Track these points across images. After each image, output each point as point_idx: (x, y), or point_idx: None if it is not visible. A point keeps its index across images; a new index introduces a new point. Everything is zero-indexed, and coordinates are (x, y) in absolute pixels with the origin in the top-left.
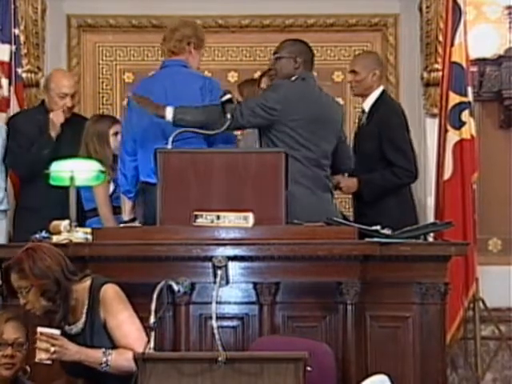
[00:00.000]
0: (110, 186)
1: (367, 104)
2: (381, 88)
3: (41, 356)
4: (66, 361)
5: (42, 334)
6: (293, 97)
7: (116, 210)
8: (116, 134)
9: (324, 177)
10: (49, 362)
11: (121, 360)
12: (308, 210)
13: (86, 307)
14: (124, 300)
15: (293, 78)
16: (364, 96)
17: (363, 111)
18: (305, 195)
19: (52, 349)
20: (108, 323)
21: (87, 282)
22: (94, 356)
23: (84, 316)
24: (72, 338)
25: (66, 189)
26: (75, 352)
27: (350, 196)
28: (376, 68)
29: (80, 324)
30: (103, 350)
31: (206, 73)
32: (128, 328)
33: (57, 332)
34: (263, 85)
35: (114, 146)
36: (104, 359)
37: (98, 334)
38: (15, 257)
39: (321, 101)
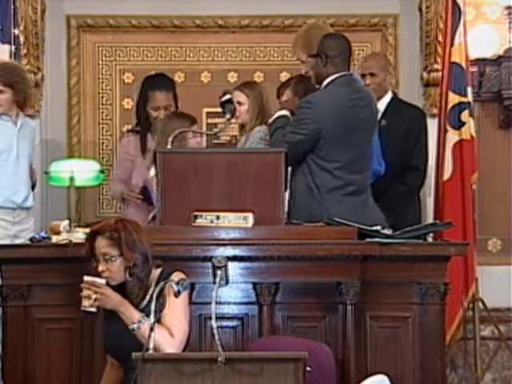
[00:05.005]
0: None
1: (381, 105)
2: (389, 89)
3: (84, 303)
4: (109, 346)
5: (85, 282)
6: (323, 110)
7: None
8: None
9: (360, 181)
10: (93, 309)
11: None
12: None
13: (151, 290)
14: (185, 295)
15: (324, 84)
16: (378, 98)
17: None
18: (337, 207)
19: (93, 296)
20: (164, 311)
21: (159, 269)
22: (132, 313)
23: (148, 298)
24: None
25: None
26: (118, 302)
27: None
28: (389, 68)
29: (142, 305)
30: (144, 314)
31: (206, 73)
32: (178, 315)
33: (101, 281)
34: (284, 97)
35: None
36: (138, 320)
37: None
38: (105, 223)
39: (352, 104)
